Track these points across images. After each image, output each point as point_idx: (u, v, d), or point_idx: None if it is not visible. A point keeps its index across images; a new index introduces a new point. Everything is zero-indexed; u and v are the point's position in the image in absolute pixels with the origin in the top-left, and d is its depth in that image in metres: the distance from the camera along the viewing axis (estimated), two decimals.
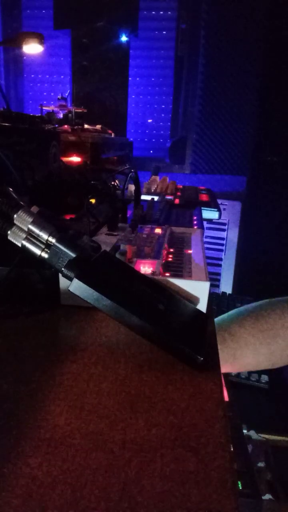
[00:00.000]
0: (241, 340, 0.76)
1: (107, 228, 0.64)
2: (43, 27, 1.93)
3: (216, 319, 0.80)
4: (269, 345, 0.76)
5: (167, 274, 0.47)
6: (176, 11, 2.08)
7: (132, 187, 0.86)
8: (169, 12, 2.09)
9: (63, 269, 0.39)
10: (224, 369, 0.76)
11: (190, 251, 0.57)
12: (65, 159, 0.94)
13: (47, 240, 0.41)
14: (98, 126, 1.32)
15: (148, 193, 1.08)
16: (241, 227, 1.98)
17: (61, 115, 1.17)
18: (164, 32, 2.12)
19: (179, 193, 1.13)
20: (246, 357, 0.76)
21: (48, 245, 0.41)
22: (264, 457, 0.86)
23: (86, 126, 1.18)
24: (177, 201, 1.03)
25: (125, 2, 1.76)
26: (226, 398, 0.97)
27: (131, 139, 1.76)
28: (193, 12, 2.04)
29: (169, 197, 1.04)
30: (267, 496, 0.76)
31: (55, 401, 0.31)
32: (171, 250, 0.57)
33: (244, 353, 0.76)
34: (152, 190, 1.12)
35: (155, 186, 1.16)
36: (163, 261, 0.51)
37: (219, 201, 1.19)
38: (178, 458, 0.26)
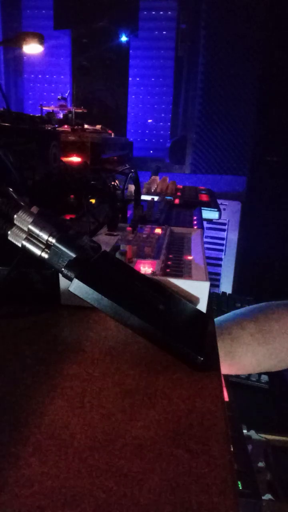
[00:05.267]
0: (240, 339, 0.76)
1: (107, 228, 0.64)
2: (43, 27, 1.93)
3: (215, 319, 0.80)
4: (268, 345, 0.76)
5: (167, 274, 0.47)
6: (176, 11, 2.08)
7: (132, 187, 0.86)
8: (169, 12, 2.09)
9: (63, 269, 0.39)
10: (223, 369, 0.76)
11: (190, 252, 0.57)
12: (65, 159, 0.93)
13: (47, 240, 0.41)
14: (98, 126, 1.32)
15: (148, 193, 1.08)
16: (241, 227, 1.98)
17: (61, 115, 1.17)
18: (164, 32, 2.12)
19: (179, 193, 1.13)
20: (245, 357, 0.76)
21: (48, 245, 0.41)
22: (264, 457, 0.86)
23: (86, 126, 1.18)
24: (177, 201, 1.03)
25: (125, 2, 1.76)
26: (226, 398, 0.97)
27: (131, 139, 1.76)
28: (193, 12, 2.04)
29: (169, 197, 1.04)
30: (267, 496, 0.76)
31: (55, 401, 0.31)
32: (171, 250, 0.57)
33: (242, 353, 0.76)
34: (152, 190, 1.12)
35: (155, 186, 1.16)
36: (163, 261, 0.51)
37: (219, 201, 1.19)
38: (178, 458, 0.26)
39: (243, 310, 0.83)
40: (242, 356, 0.76)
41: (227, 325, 0.78)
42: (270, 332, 0.76)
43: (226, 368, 0.78)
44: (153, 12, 2.09)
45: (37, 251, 0.41)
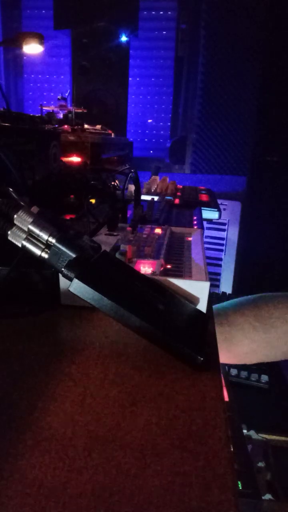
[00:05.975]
0: (238, 326, 0.76)
1: (107, 228, 0.64)
2: (43, 27, 1.93)
3: (214, 306, 0.80)
4: (265, 333, 0.77)
5: (167, 274, 0.47)
6: (176, 11, 2.08)
7: (132, 187, 0.86)
8: (169, 12, 2.09)
9: (63, 269, 0.39)
10: (220, 356, 0.77)
11: (190, 251, 0.57)
12: (65, 159, 0.93)
13: (47, 240, 0.41)
14: (98, 126, 1.32)
15: (148, 193, 1.08)
16: (241, 227, 1.98)
17: (61, 115, 1.17)
18: (164, 32, 2.12)
19: (179, 193, 1.13)
20: (242, 344, 0.77)
21: (48, 245, 0.41)
22: (264, 457, 0.86)
23: (86, 126, 1.18)
24: (177, 201, 1.03)
25: (125, 2, 1.76)
26: (226, 398, 0.97)
27: (131, 139, 1.76)
28: (193, 12, 2.04)
29: (169, 197, 1.04)
30: (267, 496, 0.76)
31: (55, 401, 0.31)
32: (171, 250, 0.57)
33: (240, 339, 0.76)
34: (152, 190, 1.12)
35: (155, 186, 1.16)
36: (163, 261, 0.51)
37: (219, 201, 1.19)
38: (178, 458, 0.26)
39: (243, 298, 0.83)
40: (239, 343, 0.77)
41: (226, 311, 0.79)
42: (268, 321, 0.77)
43: (223, 355, 0.78)
44: (153, 12, 2.09)
45: (37, 251, 0.41)
